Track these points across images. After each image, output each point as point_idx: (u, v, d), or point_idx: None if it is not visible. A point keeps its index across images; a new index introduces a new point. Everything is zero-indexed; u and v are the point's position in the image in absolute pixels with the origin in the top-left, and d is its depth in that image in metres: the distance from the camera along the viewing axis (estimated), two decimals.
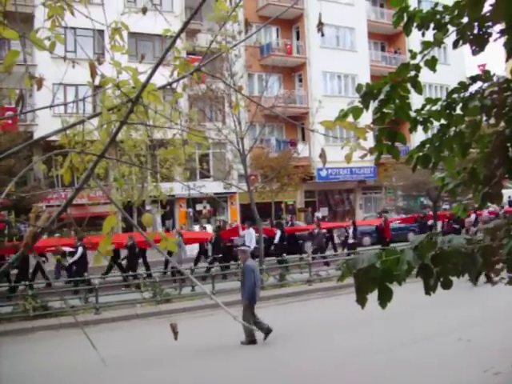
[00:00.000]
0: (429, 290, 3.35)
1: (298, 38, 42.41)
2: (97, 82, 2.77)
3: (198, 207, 38.21)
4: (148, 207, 29.62)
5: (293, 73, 42.22)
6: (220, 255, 22.25)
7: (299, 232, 29.13)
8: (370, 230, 31.26)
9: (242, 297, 12.46)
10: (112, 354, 10.16)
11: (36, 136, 27.59)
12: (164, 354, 11.22)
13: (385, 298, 3.24)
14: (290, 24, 42.27)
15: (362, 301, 3.27)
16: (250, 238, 22.46)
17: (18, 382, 9.94)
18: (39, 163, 23.09)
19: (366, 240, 31.74)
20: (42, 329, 14.28)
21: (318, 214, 40.74)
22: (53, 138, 4.17)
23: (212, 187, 31.51)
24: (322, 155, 2.95)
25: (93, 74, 2.65)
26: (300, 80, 42.59)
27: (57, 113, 26.54)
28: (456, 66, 42.93)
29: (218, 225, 31.45)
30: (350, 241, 25.70)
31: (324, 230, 26.59)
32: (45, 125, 26.09)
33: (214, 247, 22.41)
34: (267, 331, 12.06)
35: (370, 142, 3.80)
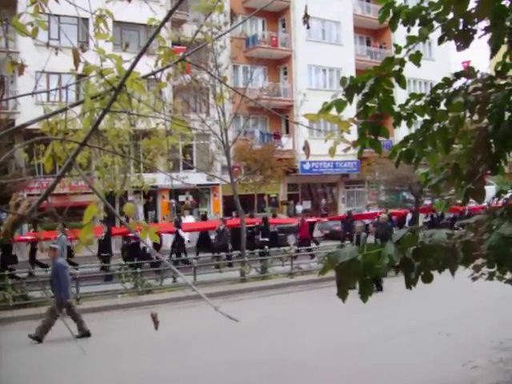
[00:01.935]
0: (410, 283, 3.37)
1: (283, 31, 42.35)
2: (80, 69, 2.74)
3: (181, 198, 38.10)
4: (130, 197, 29.50)
5: (278, 65, 42.18)
6: (107, 254, 20.24)
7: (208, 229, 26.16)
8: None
9: (53, 294, 12.77)
10: (92, 344, 10.16)
11: (18, 124, 27.31)
12: (144, 344, 11.20)
13: (366, 292, 3.25)
14: (276, 16, 42.17)
15: (343, 294, 3.28)
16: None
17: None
18: (20, 152, 22.96)
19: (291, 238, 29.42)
20: (22, 318, 14.16)
21: (299, 207, 40.83)
22: (35, 126, 4.13)
23: (195, 178, 31.47)
24: (306, 148, 2.95)
25: (76, 61, 2.62)
26: (285, 73, 42.55)
27: (39, 101, 26.26)
28: (441, 62, 43.14)
29: (202, 214, 31.42)
30: (261, 239, 24.57)
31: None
32: (27, 113, 25.80)
33: (103, 245, 20.28)
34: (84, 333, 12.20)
35: (353, 135, 3.81)
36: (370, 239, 19.12)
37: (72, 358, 9.61)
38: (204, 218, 31.72)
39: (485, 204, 7.25)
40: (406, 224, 29.23)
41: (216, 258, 21.65)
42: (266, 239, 24.53)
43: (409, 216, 29.80)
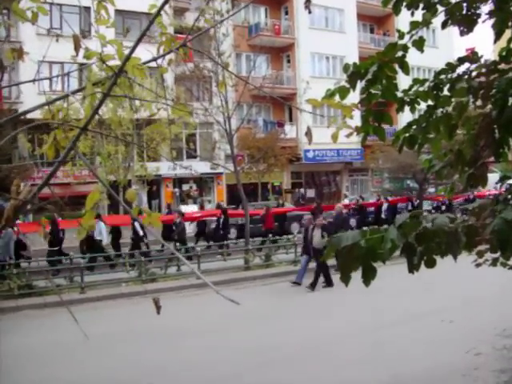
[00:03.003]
0: (412, 268, 3.37)
1: (286, 19, 42.15)
2: (81, 56, 2.73)
3: (185, 187, 38.15)
4: (134, 187, 29.54)
5: (281, 53, 42.02)
6: (57, 248, 19.16)
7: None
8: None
9: None
10: (96, 332, 10.18)
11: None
12: (148, 332, 11.23)
13: (368, 277, 3.25)
14: (279, 4, 41.99)
15: (345, 279, 3.28)
16: (99, 230, 19.72)
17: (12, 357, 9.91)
18: (24, 142, 22.98)
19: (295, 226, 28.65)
20: (27, 307, 14.24)
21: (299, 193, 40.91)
22: (37, 116, 4.12)
23: (199, 167, 31.48)
24: (308, 133, 2.94)
25: (77, 46, 2.61)
26: (288, 61, 42.41)
27: (41, 90, 26.25)
28: (444, 49, 42.92)
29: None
30: (221, 232, 23.64)
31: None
32: (30, 103, 25.76)
33: (51, 239, 18.84)
34: None
35: (357, 122, 3.79)
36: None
37: (75, 346, 9.67)
38: (169, 206, 31.19)
39: (468, 193, 7.25)
40: (383, 214, 29.02)
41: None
42: (227, 232, 23.66)
43: (384, 206, 29.43)
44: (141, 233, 21.00)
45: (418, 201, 29.85)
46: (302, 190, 41.92)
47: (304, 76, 35.79)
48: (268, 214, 25.44)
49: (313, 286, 15.42)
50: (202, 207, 30.06)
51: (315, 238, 15.72)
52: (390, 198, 31.09)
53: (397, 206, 30.35)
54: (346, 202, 32.51)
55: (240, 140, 31.69)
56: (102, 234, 19.84)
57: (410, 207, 29.86)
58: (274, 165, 34.64)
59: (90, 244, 19.80)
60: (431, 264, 3.36)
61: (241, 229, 26.10)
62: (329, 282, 15.47)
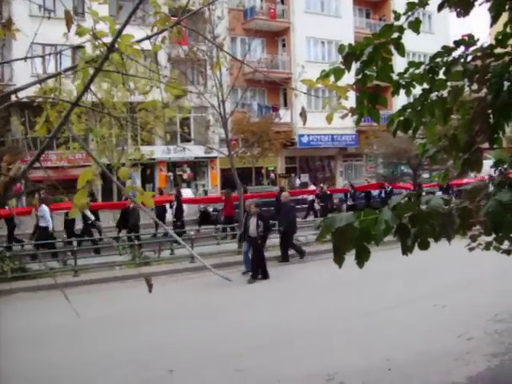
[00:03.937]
0: (406, 250, 3.36)
1: (282, 2, 41.87)
2: (73, 32, 2.69)
3: (179, 171, 38.11)
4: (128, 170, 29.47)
5: (276, 37, 41.82)
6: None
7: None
8: None
9: None
10: (91, 315, 10.20)
11: (13, 96, 27.10)
12: (144, 315, 11.25)
13: (362, 258, 3.24)
14: None
15: (339, 260, 3.28)
16: (44, 215, 18.27)
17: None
18: (17, 125, 22.84)
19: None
20: (21, 290, 14.24)
21: (297, 181, 40.81)
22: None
23: (193, 151, 31.45)
24: (303, 114, 2.92)
25: (68, 23, 2.57)
26: (283, 45, 42.21)
27: (34, 73, 26.15)
28: (440, 35, 42.77)
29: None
30: (172, 219, 22.69)
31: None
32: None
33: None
34: None
35: (352, 103, 3.76)
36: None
37: (69, 328, 9.69)
38: (161, 191, 30.80)
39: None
40: (349, 201, 28.81)
41: (128, 238, 19.92)
42: (183, 219, 22.64)
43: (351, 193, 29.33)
44: (92, 218, 20.50)
45: (390, 187, 29.69)
46: (272, 175, 41.38)
47: (299, 60, 35.67)
48: (227, 201, 23.30)
49: (253, 277, 14.92)
50: (161, 192, 29.52)
51: (251, 226, 15.13)
52: (356, 185, 30.85)
53: (370, 193, 30.23)
54: (312, 187, 32.26)
55: (234, 124, 31.62)
56: (47, 220, 18.43)
57: (383, 194, 29.43)
58: (269, 149, 34.58)
59: (36, 231, 19.08)
60: (425, 246, 3.36)
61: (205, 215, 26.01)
62: (264, 274, 15.09)
